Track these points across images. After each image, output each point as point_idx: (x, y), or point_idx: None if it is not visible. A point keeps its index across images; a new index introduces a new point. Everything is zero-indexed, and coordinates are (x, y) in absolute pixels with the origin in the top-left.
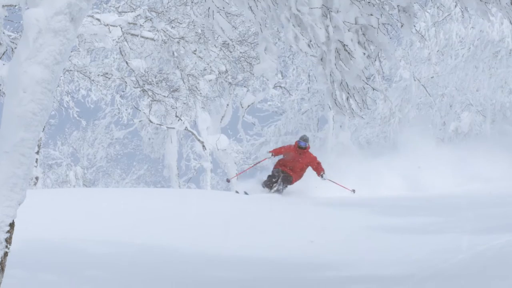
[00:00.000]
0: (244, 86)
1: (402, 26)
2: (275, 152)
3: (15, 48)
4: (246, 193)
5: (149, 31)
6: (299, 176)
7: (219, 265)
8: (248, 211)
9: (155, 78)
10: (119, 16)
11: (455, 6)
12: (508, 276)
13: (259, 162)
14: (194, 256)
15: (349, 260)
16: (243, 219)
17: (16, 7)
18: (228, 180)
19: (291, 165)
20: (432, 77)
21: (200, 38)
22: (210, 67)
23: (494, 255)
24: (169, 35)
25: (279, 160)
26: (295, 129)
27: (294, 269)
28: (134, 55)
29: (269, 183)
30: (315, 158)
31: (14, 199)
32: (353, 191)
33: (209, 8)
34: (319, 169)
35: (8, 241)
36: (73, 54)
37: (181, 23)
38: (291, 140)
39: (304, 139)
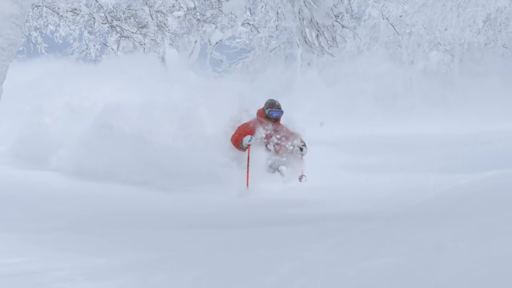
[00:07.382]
0: (213, 23)
1: None
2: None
3: None
4: None
5: None
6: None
7: (193, 206)
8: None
9: (123, 14)
10: None
11: None
12: (473, 213)
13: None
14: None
15: (318, 198)
16: None
17: None
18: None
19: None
20: (400, 16)
21: None
22: (179, 3)
23: (460, 194)
24: None
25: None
26: (263, 67)
27: (267, 206)
28: None
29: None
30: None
31: None
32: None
33: None
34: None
35: None
36: None
37: None
38: (258, 76)
39: (277, 105)
